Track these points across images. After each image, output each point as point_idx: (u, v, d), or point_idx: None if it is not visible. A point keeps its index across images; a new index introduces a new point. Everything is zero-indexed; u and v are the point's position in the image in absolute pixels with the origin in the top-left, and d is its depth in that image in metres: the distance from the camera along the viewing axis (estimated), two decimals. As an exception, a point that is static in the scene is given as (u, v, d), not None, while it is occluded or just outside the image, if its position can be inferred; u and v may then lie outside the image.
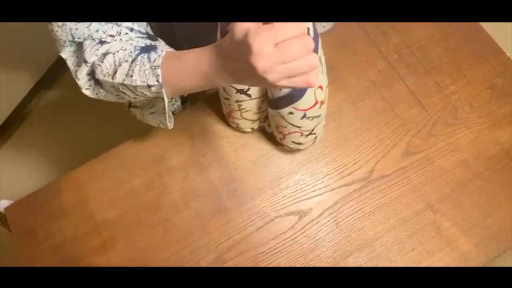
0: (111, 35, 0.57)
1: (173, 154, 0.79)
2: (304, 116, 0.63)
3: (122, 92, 0.56)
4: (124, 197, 0.77)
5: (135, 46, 0.54)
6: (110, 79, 0.55)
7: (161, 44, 0.57)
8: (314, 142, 0.73)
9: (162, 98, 0.54)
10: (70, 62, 0.59)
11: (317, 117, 0.65)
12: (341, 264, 0.72)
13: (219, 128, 0.80)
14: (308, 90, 0.59)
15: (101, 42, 0.56)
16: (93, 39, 0.56)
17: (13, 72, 1.50)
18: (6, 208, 0.77)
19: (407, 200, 0.75)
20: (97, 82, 0.58)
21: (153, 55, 0.52)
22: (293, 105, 0.61)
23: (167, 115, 0.57)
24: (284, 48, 0.39)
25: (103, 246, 0.74)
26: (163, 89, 0.51)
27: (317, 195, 0.76)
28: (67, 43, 0.58)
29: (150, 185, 0.77)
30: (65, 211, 0.76)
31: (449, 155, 0.78)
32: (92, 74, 0.57)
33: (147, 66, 0.51)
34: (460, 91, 0.82)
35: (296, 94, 0.60)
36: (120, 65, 0.54)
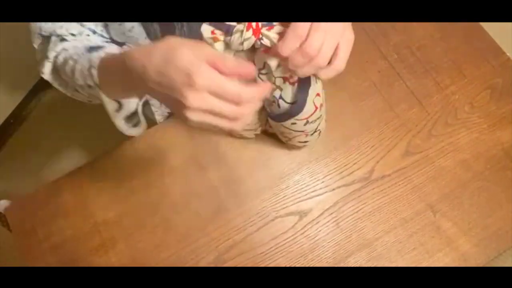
0: (72, 34, 0.57)
1: (173, 154, 0.79)
2: (306, 123, 0.64)
3: (76, 91, 0.55)
4: (124, 197, 0.76)
5: (85, 45, 0.54)
6: (63, 77, 0.55)
7: (111, 46, 0.55)
8: (319, 136, 0.73)
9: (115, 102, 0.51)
10: (38, 55, 0.60)
11: (318, 118, 0.65)
12: (341, 264, 0.72)
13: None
14: (308, 101, 0.59)
15: (62, 40, 0.57)
16: (57, 35, 0.57)
17: (13, 72, 1.50)
18: (6, 208, 0.77)
19: (407, 200, 0.75)
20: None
21: (94, 55, 0.51)
22: (294, 117, 0.62)
23: (116, 119, 0.52)
24: (221, 85, 0.38)
25: (103, 246, 0.74)
26: (101, 91, 0.49)
27: (317, 195, 0.76)
28: (37, 35, 0.58)
29: (150, 185, 0.77)
30: (65, 211, 0.76)
31: (449, 155, 0.78)
32: (54, 69, 0.58)
33: (87, 66, 0.50)
34: (460, 91, 0.81)
35: (295, 110, 0.60)
36: (67, 63, 0.54)
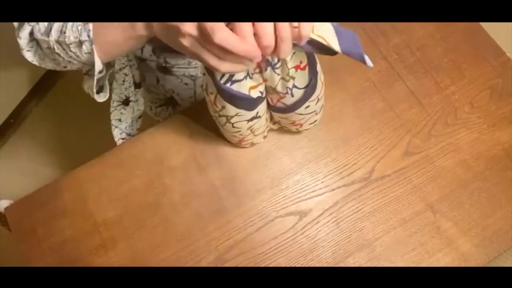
0: None
1: (173, 154, 0.79)
2: (318, 101, 0.64)
3: (57, 54, 0.56)
4: (124, 197, 0.77)
5: None
6: (46, 38, 0.55)
7: None
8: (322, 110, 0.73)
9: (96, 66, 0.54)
10: (16, 24, 0.60)
11: (323, 92, 0.66)
12: (341, 264, 0.72)
13: (219, 127, 0.80)
14: (318, 79, 0.59)
15: None
16: None
17: (13, 72, 1.50)
18: (6, 208, 0.77)
19: (407, 200, 0.75)
20: (38, 44, 0.58)
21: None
22: (308, 100, 0.61)
23: (94, 82, 0.56)
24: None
25: (103, 246, 0.74)
26: (93, 46, 0.52)
27: (317, 195, 0.76)
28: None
29: (150, 185, 0.77)
30: (65, 211, 0.76)
31: (449, 155, 0.78)
32: (33, 34, 0.58)
33: (79, 24, 0.52)
34: (460, 91, 0.82)
35: (309, 92, 0.60)
36: (53, 25, 0.54)
